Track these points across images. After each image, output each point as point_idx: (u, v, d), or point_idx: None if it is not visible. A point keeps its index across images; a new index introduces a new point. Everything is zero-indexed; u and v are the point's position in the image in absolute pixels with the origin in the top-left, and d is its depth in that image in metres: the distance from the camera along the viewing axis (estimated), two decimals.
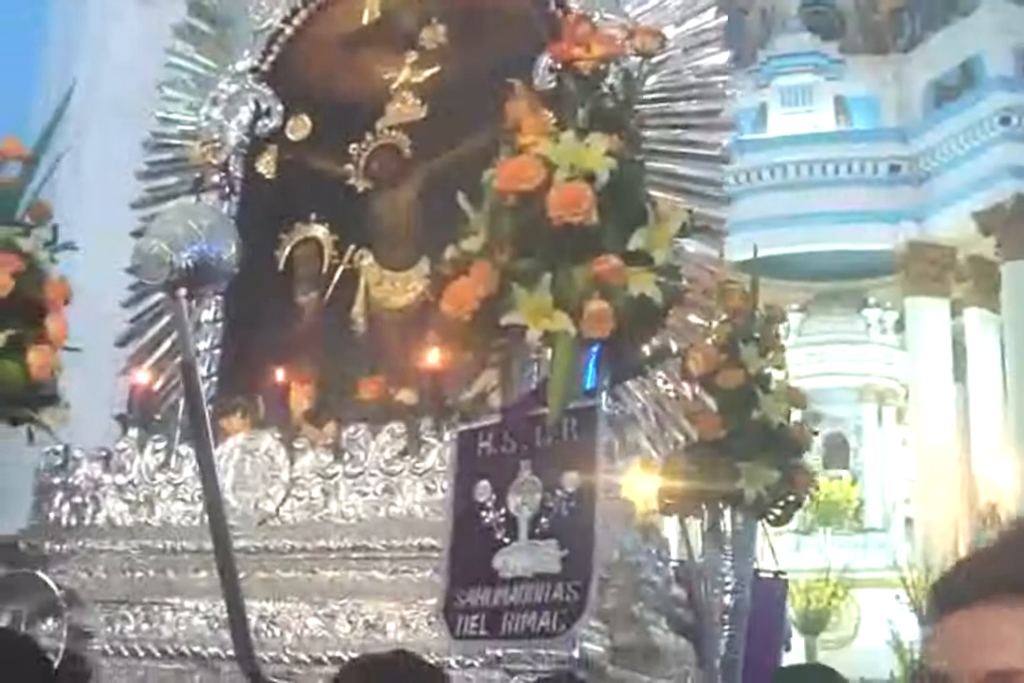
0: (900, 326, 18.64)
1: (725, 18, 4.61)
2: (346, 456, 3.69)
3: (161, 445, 3.97)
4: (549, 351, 3.09)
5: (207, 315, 4.79)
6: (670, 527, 5.20)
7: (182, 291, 2.24)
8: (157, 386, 4.30)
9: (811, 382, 13.46)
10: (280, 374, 4.08)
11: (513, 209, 3.17)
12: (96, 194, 6.68)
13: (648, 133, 4.13)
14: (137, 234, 5.08)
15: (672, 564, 4.83)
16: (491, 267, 3.13)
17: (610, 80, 3.46)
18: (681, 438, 4.12)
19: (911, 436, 17.63)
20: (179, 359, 4.51)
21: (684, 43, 4.52)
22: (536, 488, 2.97)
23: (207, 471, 2.22)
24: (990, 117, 17.89)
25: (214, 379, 4.62)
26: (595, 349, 3.10)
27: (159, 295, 4.87)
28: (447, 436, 3.51)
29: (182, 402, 4.26)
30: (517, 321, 3.03)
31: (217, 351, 4.74)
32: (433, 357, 3.67)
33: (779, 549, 5.44)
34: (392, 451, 3.64)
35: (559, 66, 3.54)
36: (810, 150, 18.44)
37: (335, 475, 3.69)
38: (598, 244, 3.10)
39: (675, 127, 4.36)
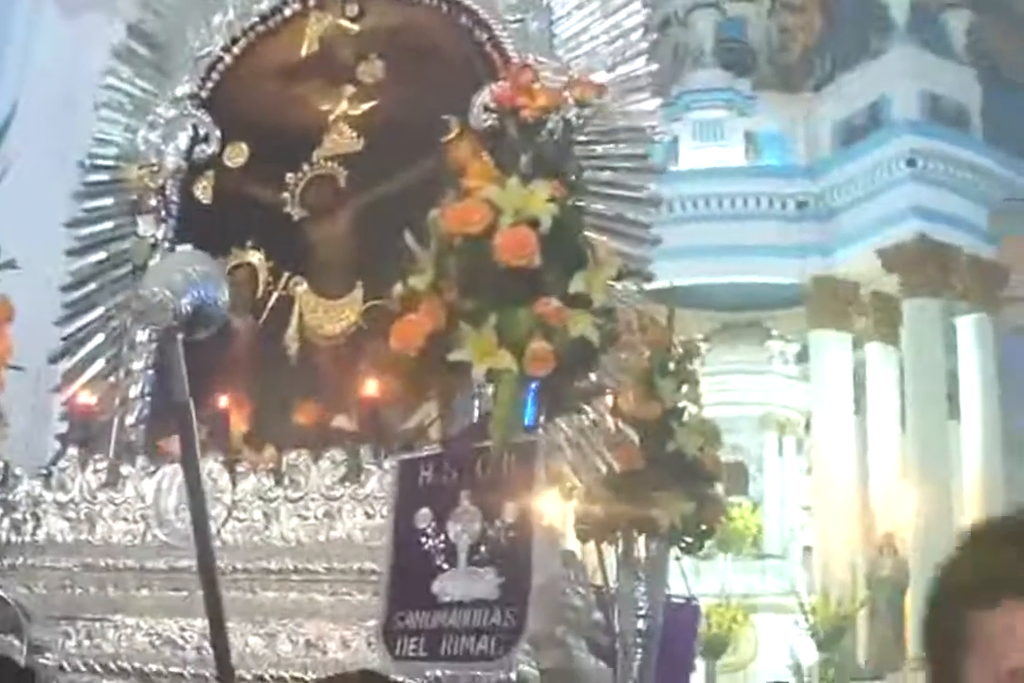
0: (802, 358, 18.98)
1: (656, 66, 4.77)
2: (287, 480, 3.78)
3: (102, 465, 4.04)
4: (490, 387, 3.23)
5: (141, 336, 4.85)
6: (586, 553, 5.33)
7: (180, 336, 2.35)
8: (94, 404, 4.35)
9: (714, 410, 13.56)
10: (218, 397, 4.15)
11: (460, 250, 3.32)
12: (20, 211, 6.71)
13: None
14: (73, 253, 5.17)
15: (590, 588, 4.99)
16: (438, 305, 3.27)
17: (549, 126, 3.60)
18: (603, 468, 4.25)
19: (810, 465, 17.95)
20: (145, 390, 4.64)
21: (615, 88, 4.67)
22: (476, 517, 3.11)
23: (198, 513, 2.32)
24: (896, 158, 18.30)
25: (148, 398, 4.69)
26: (534, 386, 3.25)
27: (93, 313, 4.98)
28: (387, 463, 3.64)
29: (116, 420, 4.34)
30: (464, 358, 3.18)
31: (151, 371, 4.80)
32: (371, 387, 3.78)
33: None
34: (333, 477, 3.75)
35: (501, 112, 3.68)
36: (720, 184, 18.77)
37: (276, 499, 3.78)
38: (540, 286, 3.27)
39: (604, 169, 4.51)
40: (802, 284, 18.26)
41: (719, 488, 5.15)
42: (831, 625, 14.55)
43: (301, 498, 3.75)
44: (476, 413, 3.34)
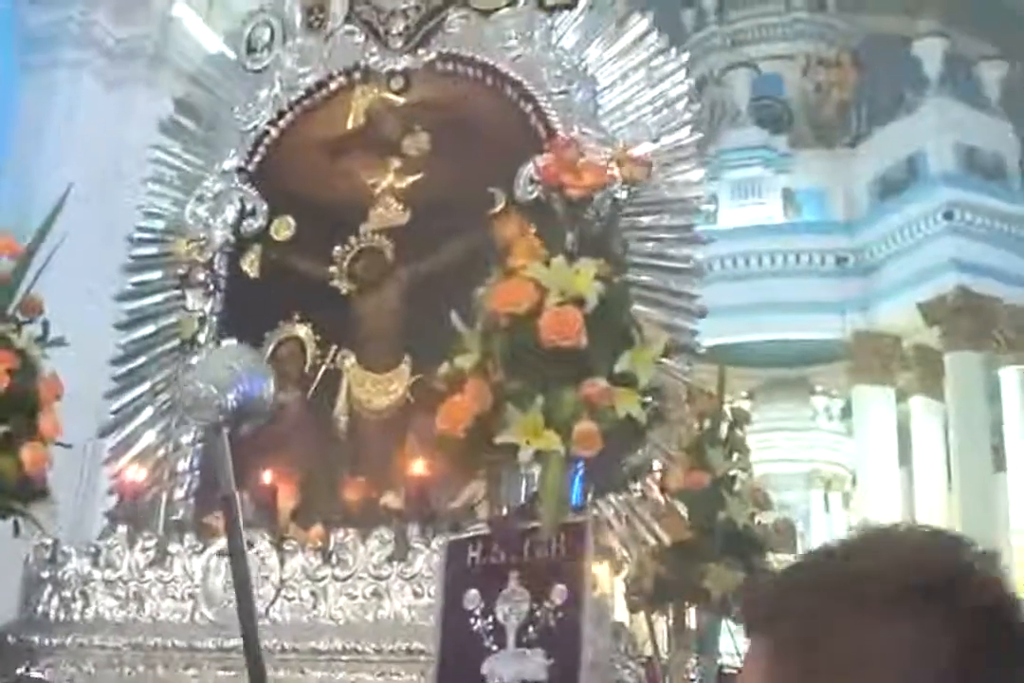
0: (846, 413, 18.83)
1: (700, 135, 4.73)
2: (335, 559, 3.74)
3: (151, 543, 4.00)
4: (538, 466, 3.19)
5: None
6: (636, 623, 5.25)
7: (226, 430, 2.34)
8: (142, 480, 4.31)
9: (760, 468, 13.50)
10: (266, 472, 4.11)
11: (506, 330, 3.31)
12: (68, 286, 6.74)
13: None
14: (122, 326, 5.15)
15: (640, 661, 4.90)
16: (484, 385, 3.24)
17: (596, 202, 3.57)
18: (652, 540, 4.18)
19: (858, 521, 17.74)
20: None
21: (660, 158, 4.63)
22: (524, 599, 3.10)
23: (245, 606, 2.28)
24: (934, 211, 18.23)
25: (196, 473, 4.66)
26: (581, 465, 3.21)
27: (142, 387, 4.96)
28: (435, 543, 3.60)
29: (165, 496, 4.31)
30: (511, 440, 3.16)
31: (200, 445, 4.77)
32: (419, 465, 3.74)
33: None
34: (380, 556, 3.70)
35: (546, 189, 3.66)
36: (760, 242, 18.74)
37: (324, 578, 3.74)
38: (586, 366, 3.24)
39: (650, 240, 4.46)
40: (844, 339, 18.16)
41: (770, 557, 5.09)
42: None
43: (349, 577, 3.71)
44: (524, 492, 3.28)
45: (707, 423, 5.09)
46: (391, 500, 4.00)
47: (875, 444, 17.48)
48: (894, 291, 18.20)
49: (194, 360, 4.73)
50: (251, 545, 3.79)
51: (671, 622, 4.93)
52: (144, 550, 3.98)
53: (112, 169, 9.07)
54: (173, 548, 3.96)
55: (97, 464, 4.84)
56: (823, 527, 18.15)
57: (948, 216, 18.08)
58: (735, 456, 5.07)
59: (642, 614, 5.01)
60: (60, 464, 4.12)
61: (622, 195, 3.65)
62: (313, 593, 3.74)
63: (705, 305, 4.51)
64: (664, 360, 4.23)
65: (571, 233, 3.48)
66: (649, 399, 3.30)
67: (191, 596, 3.85)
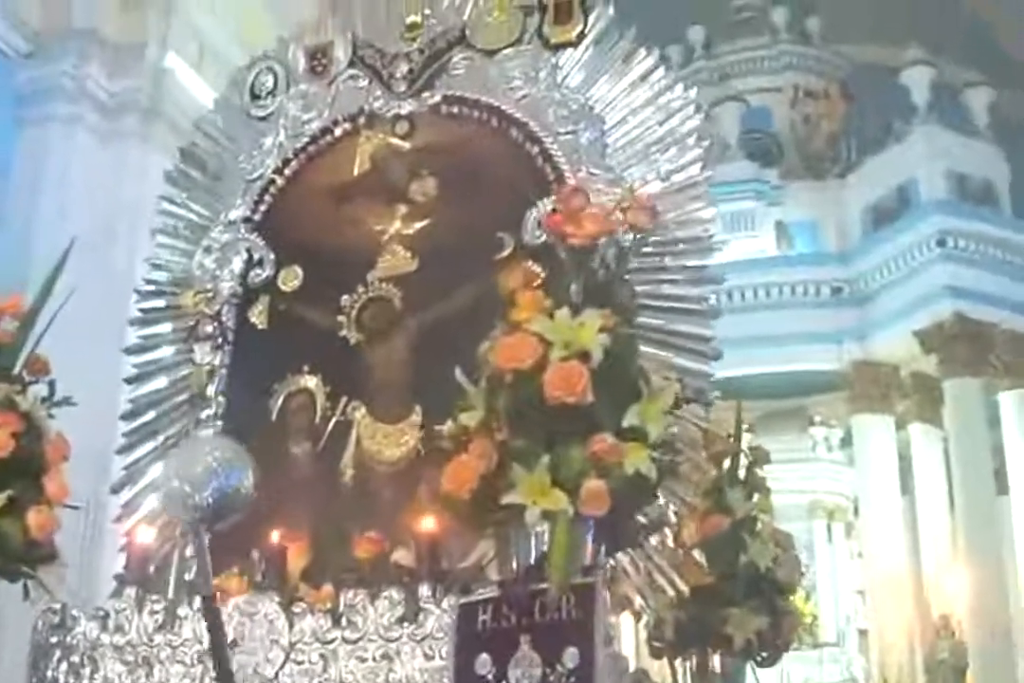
0: (846, 442, 18.69)
1: (711, 173, 4.61)
2: (344, 621, 3.58)
3: (159, 606, 3.84)
4: (546, 524, 3.06)
5: None
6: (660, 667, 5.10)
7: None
8: (151, 542, 4.14)
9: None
10: (276, 532, 3.95)
11: (510, 386, 3.17)
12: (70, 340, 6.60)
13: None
14: (131, 380, 5.01)
15: None
16: (489, 444, 3.13)
17: (601, 250, 3.45)
18: (670, 590, 4.03)
19: (861, 550, 17.57)
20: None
21: (670, 197, 4.50)
22: (536, 663, 2.97)
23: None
24: (927, 239, 18.19)
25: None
26: (591, 523, 3.08)
27: (152, 442, 4.81)
28: (446, 603, 3.45)
29: (176, 559, 4.15)
30: (517, 501, 3.03)
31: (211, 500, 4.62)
32: (428, 522, 3.60)
33: None
34: (391, 617, 3.55)
35: (551, 238, 3.54)
36: (754, 274, 18.64)
37: (334, 640, 3.58)
38: (593, 421, 3.10)
39: (661, 281, 4.32)
40: (842, 369, 18.05)
41: (794, 600, 4.94)
42: None
43: (359, 639, 3.55)
44: (534, 551, 3.14)
45: (726, 463, 4.94)
46: (402, 557, 3.86)
47: (876, 473, 17.34)
48: (890, 320, 18.12)
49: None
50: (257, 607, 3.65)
51: (694, 667, 4.77)
52: (153, 613, 3.81)
53: (108, 223, 8.96)
54: (182, 611, 3.79)
55: (105, 522, 4.67)
56: (827, 558, 17.97)
57: (941, 243, 18.04)
58: (755, 497, 4.92)
59: (665, 660, 4.85)
60: (69, 523, 3.97)
61: (628, 244, 3.50)
62: (323, 656, 3.58)
63: (720, 347, 4.39)
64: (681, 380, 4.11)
65: (575, 283, 3.34)
66: (660, 453, 3.16)
67: (200, 660, 3.68)
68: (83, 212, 8.94)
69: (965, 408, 16.63)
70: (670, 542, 4.05)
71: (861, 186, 19.82)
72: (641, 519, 3.38)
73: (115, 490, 4.81)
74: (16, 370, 4.06)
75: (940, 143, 18.94)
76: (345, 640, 3.57)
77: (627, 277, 3.63)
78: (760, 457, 5.13)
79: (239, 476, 2.35)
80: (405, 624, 3.52)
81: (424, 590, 3.54)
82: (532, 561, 3.13)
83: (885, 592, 16.30)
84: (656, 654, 4.81)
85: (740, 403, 5.31)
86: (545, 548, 3.09)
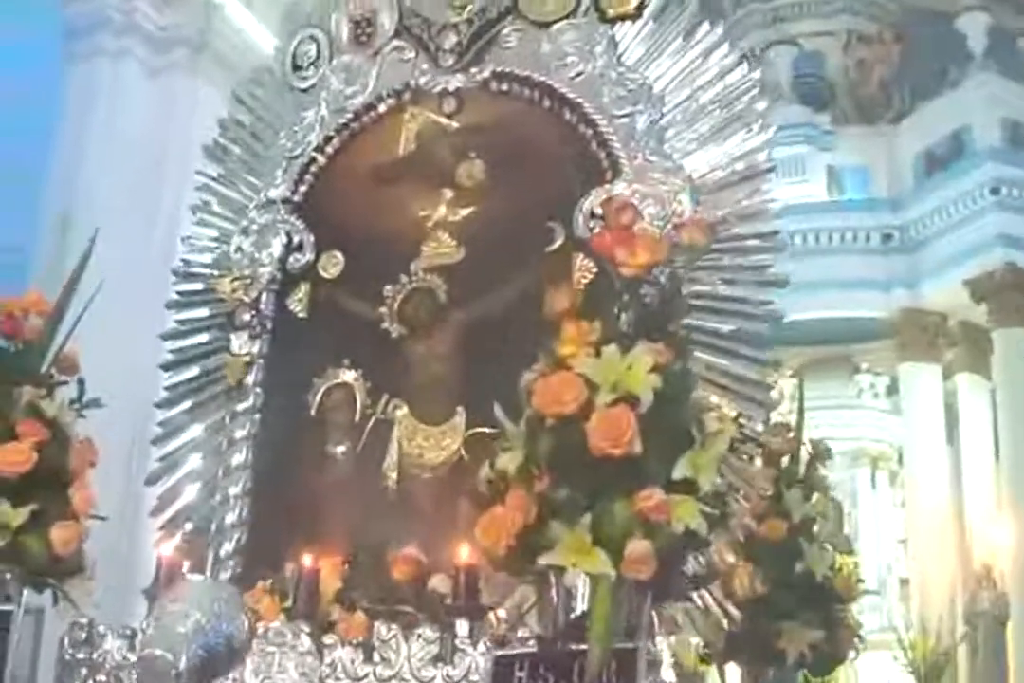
0: (892, 390, 18.20)
1: (775, 163, 4.19)
2: (377, 657, 3.28)
3: None
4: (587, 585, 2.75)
5: (238, 459, 4.37)
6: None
7: None
8: (181, 556, 3.83)
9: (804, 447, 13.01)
10: (309, 555, 3.61)
11: (551, 431, 2.81)
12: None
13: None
14: (168, 367, 4.68)
15: None
16: (527, 496, 2.79)
17: (654, 273, 3.07)
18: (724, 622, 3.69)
19: (904, 499, 17.17)
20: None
21: (732, 190, 4.11)
22: None
23: None
24: (980, 187, 17.53)
25: (241, 539, 4.20)
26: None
27: (188, 433, 4.50)
28: (481, 645, 3.15)
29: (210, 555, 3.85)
30: (556, 562, 2.71)
31: (247, 499, 4.31)
32: (465, 552, 3.25)
33: None
34: (425, 656, 3.24)
35: (599, 260, 3.17)
36: (804, 220, 17.94)
37: (365, 676, 3.28)
38: (640, 474, 2.75)
39: (720, 282, 3.93)
40: (890, 317, 17.51)
41: (853, 610, 4.59)
42: (931, 661, 13.74)
43: (392, 677, 3.25)
44: (575, 604, 2.81)
45: (784, 461, 4.56)
46: (440, 583, 3.56)
47: (922, 421, 16.84)
48: (940, 268, 17.51)
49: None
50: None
51: (744, 675, 4.44)
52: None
53: (156, 157, 8.61)
54: None
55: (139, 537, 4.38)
56: (870, 506, 17.54)
57: (995, 191, 17.38)
58: (814, 497, 4.54)
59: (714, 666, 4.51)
60: (99, 536, 3.66)
61: (682, 269, 3.12)
62: None
63: (780, 359, 4.01)
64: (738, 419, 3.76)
65: (625, 313, 2.96)
66: (711, 504, 2.80)
67: None
68: (132, 146, 8.59)
69: (1014, 359, 16.09)
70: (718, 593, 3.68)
71: (914, 132, 19.10)
72: (689, 570, 3.00)
73: (149, 482, 4.51)
74: (44, 369, 3.74)
75: (995, 90, 18.21)
76: (377, 677, 3.27)
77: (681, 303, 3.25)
78: (821, 453, 4.74)
79: (231, 626, 2.03)
80: (440, 664, 3.22)
81: (461, 629, 3.21)
82: (572, 618, 2.82)
83: (927, 541, 15.89)
84: (704, 661, 4.47)
85: (802, 398, 4.92)
86: (586, 607, 2.78)
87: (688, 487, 2.78)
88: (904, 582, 16.67)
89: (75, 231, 7.74)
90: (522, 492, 2.80)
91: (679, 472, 2.77)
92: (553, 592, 2.88)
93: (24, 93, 9.05)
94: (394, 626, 3.32)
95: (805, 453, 4.66)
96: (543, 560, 2.72)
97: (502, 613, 3.26)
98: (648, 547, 2.69)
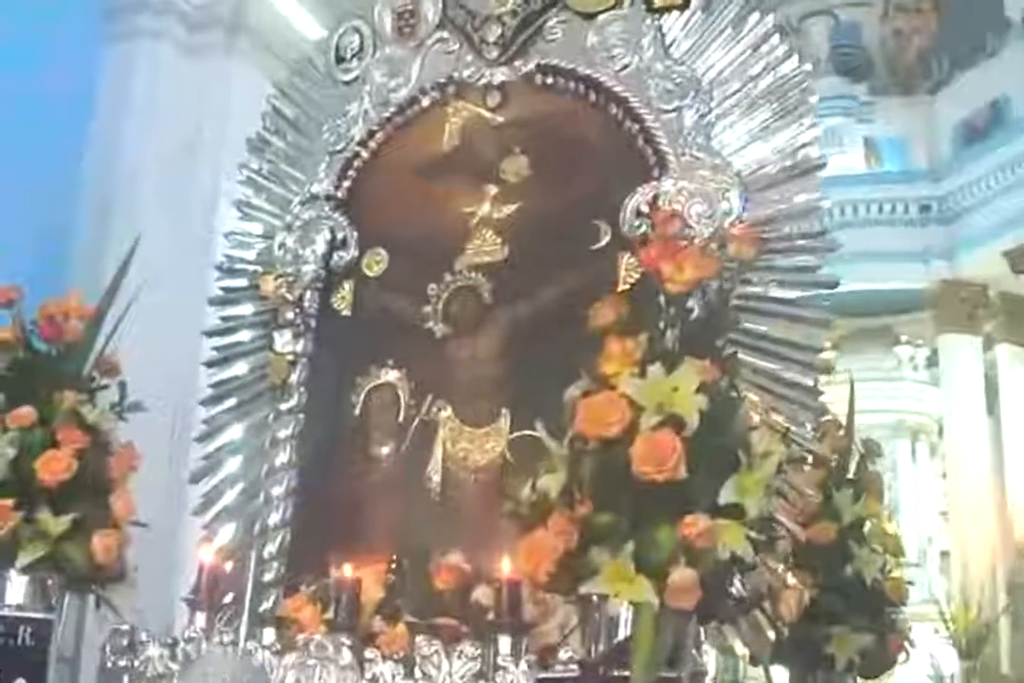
0: (932, 362, 17.93)
1: (826, 161, 4.02)
2: (418, 673, 3.17)
3: (228, 638, 3.42)
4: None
5: (282, 457, 4.26)
6: None
7: None
8: (222, 564, 3.72)
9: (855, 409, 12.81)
10: (352, 560, 3.49)
11: (594, 454, 2.70)
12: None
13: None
14: (212, 364, 4.57)
15: None
16: (569, 521, 2.68)
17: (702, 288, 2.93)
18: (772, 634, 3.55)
19: (945, 470, 16.93)
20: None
21: (783, 187, 3.94)
22: None
23: None
24: (1019, 157, 17.19)
25: (284, 540, 4.10)
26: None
27: (231, 431, 4.40)
28: (523, 664, 3.03)
29: (249, 587, 3.72)
30: (598, 591, 2.61)
31: (290, 499, 4.21)
32: (507, 565, 3.14)
33: None
34: (467, 672, 3.13)
35: (646, 275, 3.03)
36: (842, 191, 17.59)
37: None
38: (685, 499, 2.64)
39: (768, 283, 3.78)
40: (929, 288, 17.24)
41: (904, 614, 4.44)
42: (972, 633, 13.55)
43: None
44: (618, 628, 2.68)
45: (834, 461, 4.39)
46: (483, 595, 3.47)
47: (961, 393, 16.58)
48: (979, 239, 17.21)
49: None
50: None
51: (792, 678, 4.30)
52: (222, 645, 3.39)
53: (192, 137, 8.45)
54: (251, 646, 3.37)
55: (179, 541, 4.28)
56: (910, 477, 17.32)
57: None
58: (864, 497, 4.37)
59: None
60: (142, 541, 3.56)
61: (728, 282, 2.98)
62: None
63: (831, 362, 3.86)
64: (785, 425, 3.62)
65: (671, 331, 2.82)
66: (758, 529, 2.69)
67: None
68: (168, 127, 8.43)
69: None
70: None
71: (952, 102, 18.74)
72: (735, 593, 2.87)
73: (194, 480, 4.41)
74: (85, 372, 3.64)
75: None
76: None
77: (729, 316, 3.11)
78: (872, 450, 4.57)
79: None
80: (481, 681, 3.12)
81: (503, 646, 3.09)
82: (615, 643, 2.70)
83: (968, 513, 15.66)
84: (753, 662, 4.33)
85: (852, 397, 4.75)
86: (629, 632, 2.67)
87: (735, 511, 2.67)
88: (945, 554, 16.45)
89: (116, 214, 7.63)
90: (564, 516, 2.70)
91: (725, 497, 2.66)
92: (596, 616, 2.75)
93: (63, 74, 8.89)
94: (435, 641, 3.21)
95: (856, 452, 4.50)
96: (584, 589, 2.63)
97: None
98: (693, 576, 2.59)
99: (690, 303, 2.89)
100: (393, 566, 3.75)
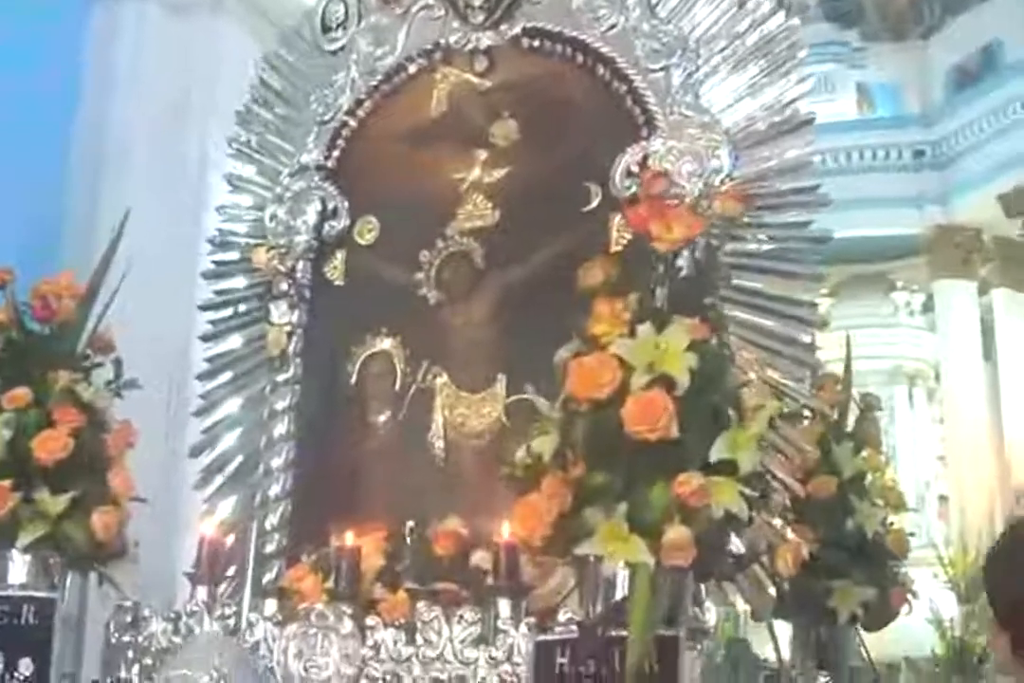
0: (928, 308, 17.89)
1: (814, 115, 3.97)
2: (420, 639, 3.17)
3: (230, 611, 3.41)
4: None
5: (280, 429, 4.24)
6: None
7: None
8: (223, 538, 3.70)
9: (841, 366, 12.79)
10: (352, 528, 3.48)
11: (586, 416, 2.70)
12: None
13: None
14: (207, 338, 4.55)
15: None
16: (562, 482, 2.69)
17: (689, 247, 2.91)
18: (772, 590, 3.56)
19: (942, 416, 16.93)
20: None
21: (772, 144, 3.90)
22: None
23: None
24: (1012, 101, 17.09)
25: (285, 512, 4.09)
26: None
27: (230, 404, 4.38)
28: (523, 627, 3.03)
29: (251, 559, 3.71)
30: (593, 551, 2.62)
31: (290, 470, 4.19)
32: (506, 529, 3.13)
33: None
34: (467, 637, 3.13)
35: (635, 235, 3.01)
36: (834, 138, 17.49)
37: (409, 658, 3.18)
38: (678, 457, 2.63)
39: (764, 241, 3.75)
40: (923, 234, 17.17)
41: (905, 567, 4.43)
42: (971, 577, 13.58)
43: (435, 659, 3.15)
44: (616, 588, 2.69)
45: (833, 415, 4.36)
46: (482, 559, 3.47)
47: (958, 338, 16.57)
48: (973, 184, 17.12)
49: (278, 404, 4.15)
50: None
51: (793, 635, 4.29)
52: (222, 618, 3.38)
53: (179, 99, 8.32)
54: (253, 617, 3.36)
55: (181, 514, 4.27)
56: (908, 423, 17.31)
57: None
58: (865, 451, 4.35)
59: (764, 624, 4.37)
60: (142, 515, 3.55)
61: (717, 239, 2.96)
62: (396, 674, 3.17)
63: (826, 318, 3.83)
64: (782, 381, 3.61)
65: (660, 289, 2.80)
66: (752, 485, 2.69)
67: (271, 671, 3.27)
68: (156, 88, 8.30)
69: None
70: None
71: (944, 47, 18.60)
72: (731, 550, 2.86)
73: (193, 454, 4.39)
74: (79, 350, 3.62)
75: None
76: (420, 658, 3.18)
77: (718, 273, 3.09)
78: (871, 404, 4.54)
79: None
80: (482, 645, 3.11)
81: (503, 609, 3.09)
82: (613, 603, 2.69)
83: (966, 458, 15.70)
84: (755, 618, 4.33)
85: (849, 351, 4.71)
86: (626, 592, 2.67)
87: (728, 468, 2.67)
88: (943, 499, 16.50)
89: (105, 185, 7.55)
90: (557, 478, 2.70)
91: (717, 453, 2.66)
92: (592, 577, 2.74)
93: (49, 34, 8.71)
94: (436, 607, 3.21)
95: (854, 406, 4.47)
96: (580, 550, 2.64)
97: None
98: (687, 533, 2.59)
99: (679, 262, 2.86)
100: (393, 533, 3.72)
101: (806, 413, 3.96)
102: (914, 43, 19.56)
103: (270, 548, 4.03)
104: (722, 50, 4.02)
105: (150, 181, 7.38)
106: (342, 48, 4.62)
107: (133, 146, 7.84)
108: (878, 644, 4.38)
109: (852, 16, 21.05)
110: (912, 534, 4.53)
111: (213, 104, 7.50)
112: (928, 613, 13.94)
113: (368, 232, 4.36)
